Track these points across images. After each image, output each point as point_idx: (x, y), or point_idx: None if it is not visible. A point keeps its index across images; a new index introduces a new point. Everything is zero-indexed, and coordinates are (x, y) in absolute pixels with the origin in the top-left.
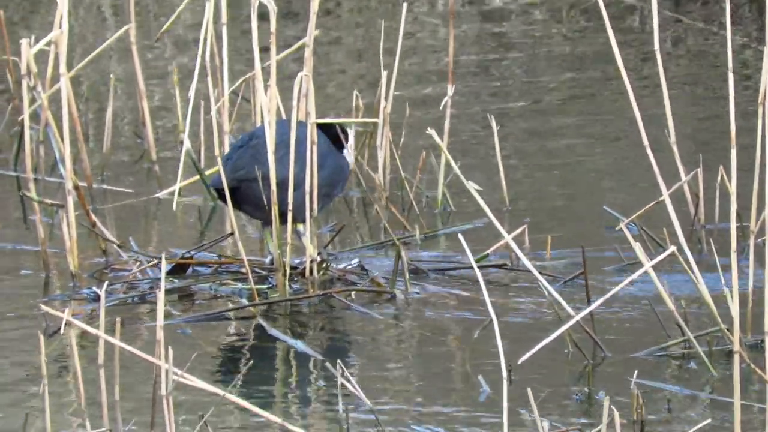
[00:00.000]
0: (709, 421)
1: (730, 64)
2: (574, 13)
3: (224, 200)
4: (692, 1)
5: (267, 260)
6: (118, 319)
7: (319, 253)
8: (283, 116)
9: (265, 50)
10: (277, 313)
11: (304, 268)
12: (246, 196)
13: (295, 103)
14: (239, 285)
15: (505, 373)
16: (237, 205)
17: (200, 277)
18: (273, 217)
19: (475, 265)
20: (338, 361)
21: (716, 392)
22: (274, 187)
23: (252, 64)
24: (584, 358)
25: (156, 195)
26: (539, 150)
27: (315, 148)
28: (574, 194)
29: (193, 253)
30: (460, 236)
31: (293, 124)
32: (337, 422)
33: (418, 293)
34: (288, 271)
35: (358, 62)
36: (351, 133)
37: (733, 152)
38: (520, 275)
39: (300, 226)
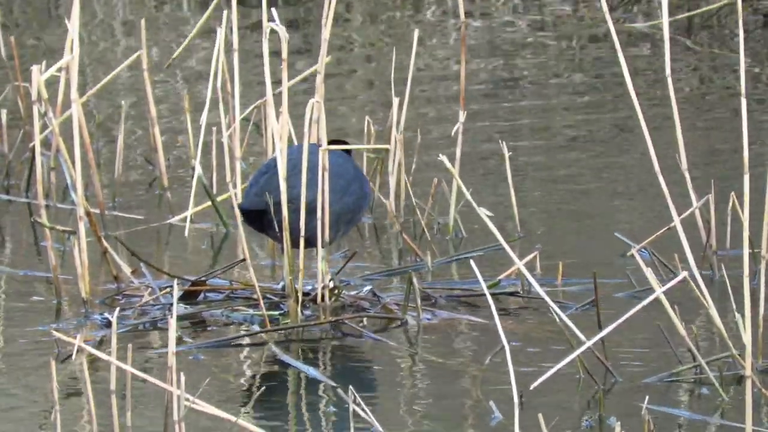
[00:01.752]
0: None
1: (743, 89)
2: (585, 42)
3: (252, 223)
4: (704, 28)
5: (279, 286)
6: (129, 345)
7: (331, 280)
8: (295, 143)
9: (277, 82)
10: (289, 339)
11: (316, 295)
12: (272, 219)
13: (306, 129)
14: (251, 311)
15: (516, 399)
16: (263, 229)
17: (212, 303)
18: (285, 243)
19: (487, 292)
20: (350, 387)
21: (727, 417)
22: (285, 212)
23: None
24: (595, 383)
25: (168, 221)
26: (550, 176)
27: (327, 174)
28: (585, 220)
29: (204, 278)
30: (472, 262)
31: (308, 148)
32: None
33: (429, 319)
34: (300, 298)
35: (369, 90)
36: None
37: (746, 177)
38: (531, 301)
39: (321, 251)
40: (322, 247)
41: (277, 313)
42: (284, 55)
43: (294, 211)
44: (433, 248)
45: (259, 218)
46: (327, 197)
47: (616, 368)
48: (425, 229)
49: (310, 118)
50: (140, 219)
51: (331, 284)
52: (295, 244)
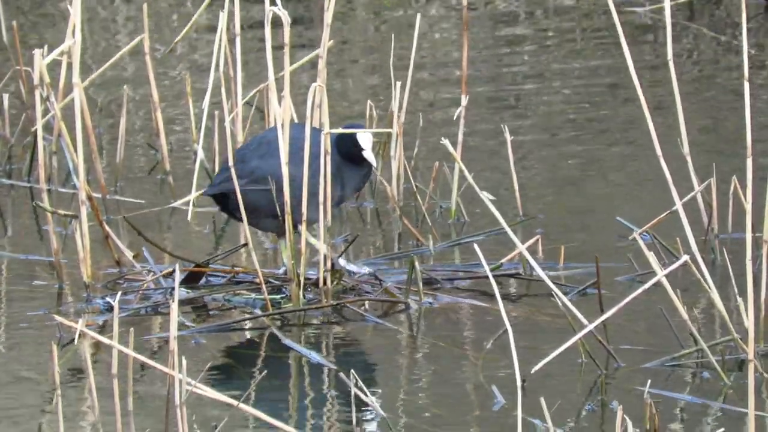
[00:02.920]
0: (722, 430)
1: (746, 73)
2: (587, 25)
3: (222, 208)
4: (706, 13)
5: (280, 271)
6: (131, 330)
7: (332, 264)
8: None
9: (279, 48)
10: (291, 323)
11: (318, 279)
12: (253, 202)
13: (309, 113)
14: (253, 295)
15: (519, 383)
16: (231, 213)
17: (214, 287)
18: (287, 226)
19: (490, 275)
20: (351, 371)
21: (729, 402)
22: (288, 196)
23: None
24: (597, 367)
25: (170, 205)
26: (552, 160)
27: (329, 158)
28: (587, 204)
29: (206, 263)
30: (476, 246)
31: (307, 131)
32: (351, 431)
33: (431, 303)
34: (302, 281)
35: (371, 74)
36: (365, 138)
37: (749, 161)
38: (533, 285)
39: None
40: (311, 224)
41: (278, 297)
42: (286, 39)
43: (269, 192)
44: (434, 232)
45: (224, 202)
46: (329, 181)
47: (618, 352)
48: (426, 214)
49: (313, 102)
50: (142, 203)
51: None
52: (282, 231)
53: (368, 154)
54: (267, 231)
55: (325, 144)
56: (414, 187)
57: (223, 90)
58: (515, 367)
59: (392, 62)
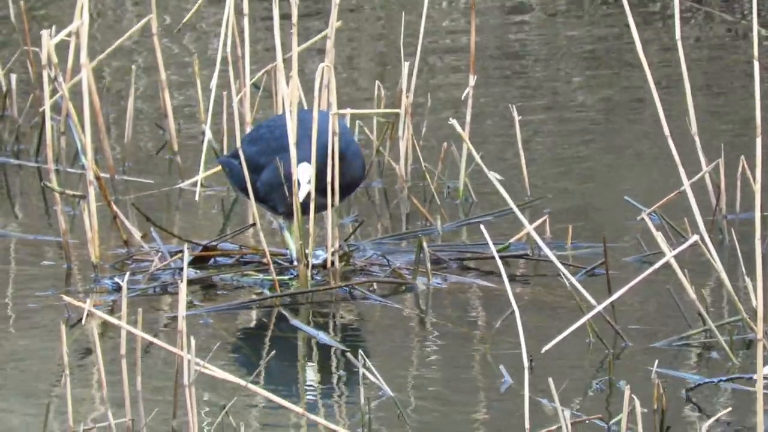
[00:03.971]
0: (729, 409)
1: (755, 53)
2: (596, 8)
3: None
4: None
5: (288, 254)
6: (140, 310)
7: (340, 246)
8: (305, 105)
9: (285, 17)
10: (299, 303)
11: (326, 260)
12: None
13: (317, 93)
14: (261, 276)
15: (526, 363)
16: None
17: (222, 267)
18: (295, 207)
19: (497, 256)
20: (360, 351)
21: (737, 381)
22: (296, 178)
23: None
24: (605, 347)
25: (178, 185)
26: (561, 140)
27: (337, 139)
28: (595, 184)
29: (214, 243)
30: (482, 227)
31: (300, 114)
32: (359, 412)
33: (439, 283)
34: (310, 263)
35: (380, 55)
36: (303, 171)
37: (759, 140)
38: (541, 265)
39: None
40: (315, 213)
41: (287, 277)
42: (294, 19)
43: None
44: (443, 212)
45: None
46: (336, 163)
47: (626, 332)
48: (435, 194)
49: (321, 83)
50: (150, 183)
51: (341, 250)
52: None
53: (303, 190)
54: (276, 211)
55: (333, 125)
56: (423, 168)
57: (230, 70)
58: (522, 347)
59: (402, 42)
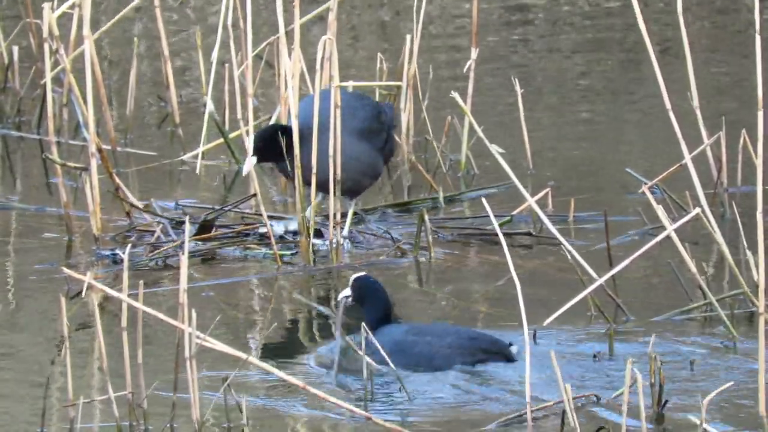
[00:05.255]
0: (731, 383)
1: (757, 26)
2: None
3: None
4: None
5: (281, 227)
6: (141, 282)
7: (344, 237)
8: (307, 79)
9: None
10: (300, 276)
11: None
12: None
13: (318, 66)
14: (263, 249)
15: (527, 337)
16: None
17: (223, 240)
18: (297, 180)
19: (499, 232)
20: (362, 323)
21: (738, 354)
22: (297, 150)
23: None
24: (607, 321)
25: (180, 158)
26: (563, 113)
27: (339, 111)
28: (597, 157)
29: (216, 215)
30: (484, 201)
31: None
32: (361, 385)
33: (440, 258)
34: (311, 234)
35: (382, 29)
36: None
37: (760, 114)
38: (543, 238)
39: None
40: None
41: (288, 252)
42: None
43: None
44: (447, 180)
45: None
46: (331, 138)
47: (628, 305)
48: (441, 163)
49: (323, 55)
50: (152, 156)
51: (345, 242)
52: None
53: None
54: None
55: (335, 98)
56: (424, 140)
57: (232, 43)
58: (523, 321)
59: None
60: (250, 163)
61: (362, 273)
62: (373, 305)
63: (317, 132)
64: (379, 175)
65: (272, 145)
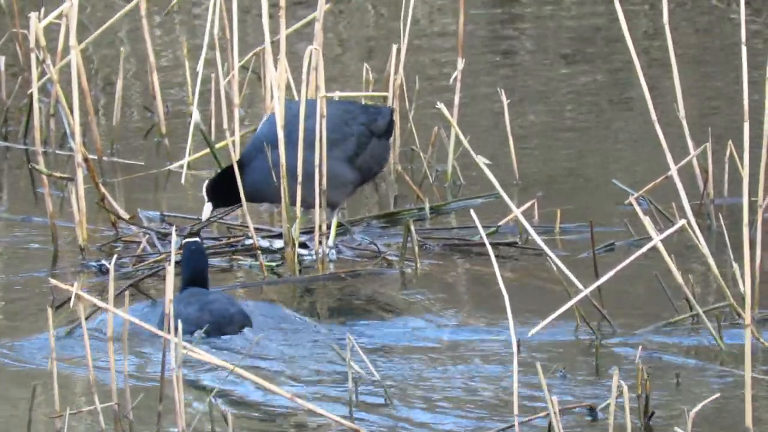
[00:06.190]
0: (717, 395)
1: (743, 37)
2: None
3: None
4: None
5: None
6: (126, 293)
7: (330, 247)
8: (293, 89)
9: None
10: (287, 286)
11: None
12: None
13: (304, 76)
14: (249, 260)
15: (515, 348)
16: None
17: (210, 249)
18: (283, 202)
19: (487, 242)
20: (348, 334)
21: (725, 366)
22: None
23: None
24: (593, 332)
25: (166, 168)
26: (549, 124)
27: (324, 121)
28: (584, 168)
29: (202, 226)
30: (473, 212)
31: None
32: (347, 394)
33: (426, 268)
34: (296, 245)
35: (368, 40)
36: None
37: (746, 125)
38: (529, 248)
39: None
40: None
41: (274, 264)
42: (282, 2)
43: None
44: (435, 191)
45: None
46: (317, 150)
47: (613, 316)
48: (427, 173)
49: (309, 65)
50: (139, 165)
51: (331, 252)
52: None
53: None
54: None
55: (321, 108)
56: (410, 150)
57: (218, 53)
58: (511, 331)
59: (387, 30)
60: (207, 209)
61: (192, 240)
62: (184, 269)
63: (280, 146)
64: (353, 183)
65: (223, 191)
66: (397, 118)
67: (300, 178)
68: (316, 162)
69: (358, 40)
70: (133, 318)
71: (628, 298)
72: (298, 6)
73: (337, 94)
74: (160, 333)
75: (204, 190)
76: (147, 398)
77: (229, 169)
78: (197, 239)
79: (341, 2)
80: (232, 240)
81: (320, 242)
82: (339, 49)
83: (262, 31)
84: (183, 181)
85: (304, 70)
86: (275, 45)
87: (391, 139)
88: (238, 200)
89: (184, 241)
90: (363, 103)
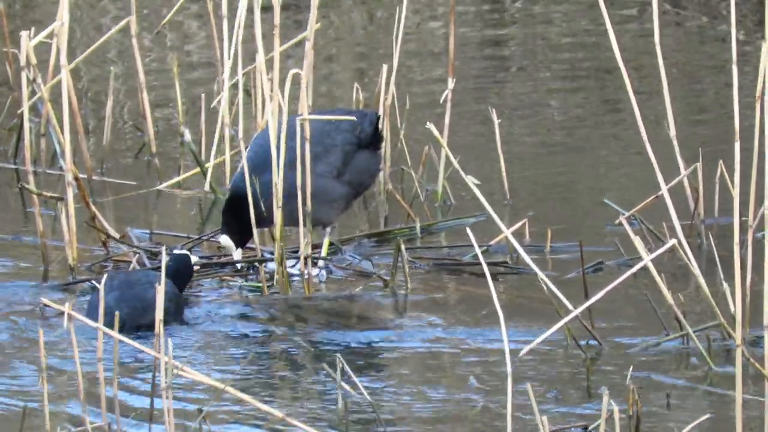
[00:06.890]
0: (708, 416)
1: (734, 56)
2: (574, 11)
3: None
4: None
5: (267, 268)
6: (117, 313)
7: (320, 268)
8: (283, 108)
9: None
10: (278, 307)
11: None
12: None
13: (284, 100)
14: (239, 281)
15: (509, 369)
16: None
17: (200, 270)
18: (276, 223)
19: (483, 262)
20: (338, 356)
21: (715, 387)
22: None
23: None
24: (583, 352)
25: (156, 187)
26: (540, 143)
27: (307, 144)
28: (574, 187)
29: (192, 245)
30: (469, 231)
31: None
32: (337, 415)
33: (417, 287)
34: (285, 267)
35: (358, 59)
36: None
37: (737, 145)
38: (519, 268)
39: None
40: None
41: (267, 284)
42: (276, 20)
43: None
44: (426, 209)
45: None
46: (299, 169)
47: (604, 337)
48: (419, 192)
49: (289, 88)
50: (129, 185)
51: (320, 272)
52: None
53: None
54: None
55: (304, 131)
56: (401, 170)
57: (209, 71)
58: (506, 352)
59: (379, 49)
60: (236, 252)
61: (180, 252)
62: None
63: (262, 168)
64: (343, 198)
65: (237, 223)
66: (387, 137)
67: (280, 202)
68: (298, 183)
69: (348, 56)
70: (123, 337)
71: (618, 318)
72: (290, 11)
73: (327, 118)
74: (151, 352)
75: (222, 231)
76: (138, 417)
77: (232, 201)
78: (187, 252)
79: (328, 16)
80: (223, 260)
81: (306, 263)
82: (327, 67)
83: (255, 47)
84: (175, 200)
85: (285, 93)
86: (268, 63)
87: (382, 149)
88: (251, 229)
89: (174, 252)
90: (346, 108)
